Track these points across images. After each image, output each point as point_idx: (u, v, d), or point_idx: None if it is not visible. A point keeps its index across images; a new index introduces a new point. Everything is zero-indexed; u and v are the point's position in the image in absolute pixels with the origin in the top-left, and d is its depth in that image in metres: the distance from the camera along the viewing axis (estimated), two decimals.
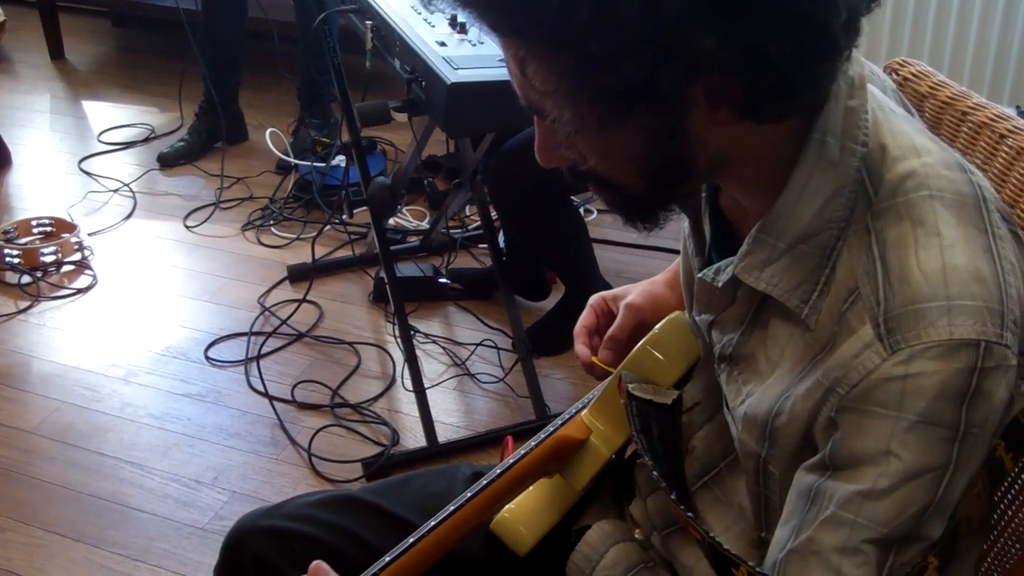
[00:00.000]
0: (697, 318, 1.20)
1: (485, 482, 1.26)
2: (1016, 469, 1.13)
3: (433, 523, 1.22)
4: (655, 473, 1.12)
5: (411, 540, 1.20)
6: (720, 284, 1.10)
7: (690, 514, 1.08)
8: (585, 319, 1.44)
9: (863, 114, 1.00)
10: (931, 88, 1.37)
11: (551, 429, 1.32)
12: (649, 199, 1.07)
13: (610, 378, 1.29)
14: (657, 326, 1.30)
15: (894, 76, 1.42)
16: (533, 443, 1.29)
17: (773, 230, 1.02)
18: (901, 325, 0.94)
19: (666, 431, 1.21)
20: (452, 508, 1.23)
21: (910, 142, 1.01)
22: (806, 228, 1.00)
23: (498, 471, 1.26)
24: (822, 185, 0.99)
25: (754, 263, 1.04)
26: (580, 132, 0.97)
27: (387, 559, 1.19)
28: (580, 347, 1.41)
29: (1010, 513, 1.22)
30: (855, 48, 0.96)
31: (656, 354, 1.28)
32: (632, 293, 1.42)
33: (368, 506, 1.41)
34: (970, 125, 1.31)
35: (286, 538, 1.37)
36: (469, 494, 1.24)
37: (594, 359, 1.38)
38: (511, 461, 1.27)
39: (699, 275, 1.14)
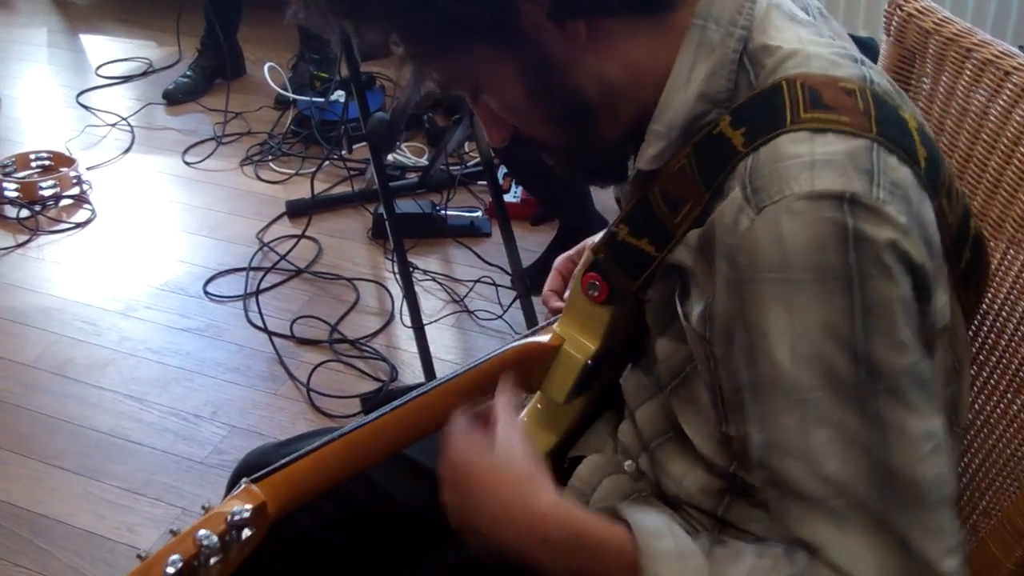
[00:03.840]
0: None
1: (449, 376, 1.25)
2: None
3: (387, 409, 1.20)
4: None
5: (356, 424, 1.18)
6: (628, 183, 1.12)
7: None
8: (551, 283, 1.45)
9: (747, 1, 1.03)
10: (936, 24, 1.36)
11: (522, 338, 1.32)
12: (578, 150, 1.12)
13: (572, 282, 1.29)
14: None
15: (899, 12, 1.41)
16: (503, 347, 1.29)
17: (664, 119, 1.04)
18: (765, 183, 0.94)
19: None
20: (412, 395, 1.21)
21: (796, 37, 1.03)
22: (692, 111, 1.03)
23: (466, 367, 1.26)
24: (703, 71, 1.02)
25: (651, 155, 1.06)
26: (467, 80, 1.06)
27: (335, 434, 1.17)
28: (557, 306, 1.41)
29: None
30: None
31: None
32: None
33: None
34: (974, 62, 1.30)
35: None
36: (430, 385, 1.23)
37: None
38: (478, 360, 1.26)
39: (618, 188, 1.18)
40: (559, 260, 1.46)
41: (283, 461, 1.13)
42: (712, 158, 1.01)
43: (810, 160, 0.93)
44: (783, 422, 0.97)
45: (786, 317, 0.94)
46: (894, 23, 1.42)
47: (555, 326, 1.30)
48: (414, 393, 1.22)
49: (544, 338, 1.29)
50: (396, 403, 1.21)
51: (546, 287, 1.44)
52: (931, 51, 1.36)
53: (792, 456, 0.97)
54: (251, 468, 1.38)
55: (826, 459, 0.95)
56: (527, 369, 1.29)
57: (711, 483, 1.20)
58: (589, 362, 1.28)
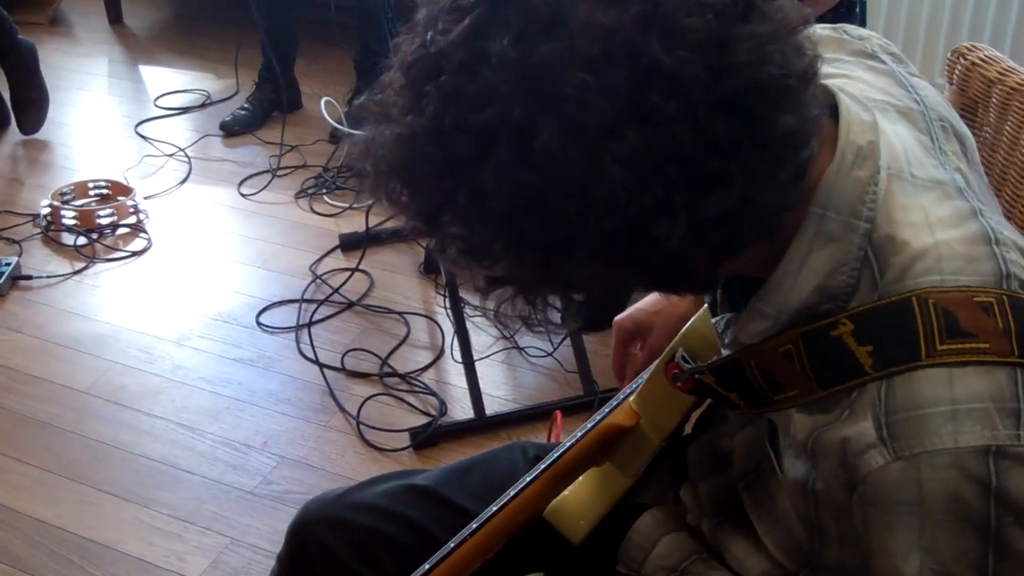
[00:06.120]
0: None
1: (531, 477, 1.26)
2: None
3: (485, 517, 1.22)
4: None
5: (466, 533, 1.21)
6: (726, 341, 1.08)
7: None
8: (617, 357, 1.44)
9: (871, 187, 0.95)
10: (1000, 74, 1.36)
11: (598, 417, 1.30)
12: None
13: (656, 362, 1.27)
14: (702, 309, 1.27)
15: (962, 61, 1.41)
16: (580, 433, 1.29)
17: (771, 302, 0.98)
18: (903, 431, 0.89)
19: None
20: (499, 504, 1.24)
21: (923, 217, 0.95)
22: (805, 301, 0.96)
23: (543, 466, 1.27)
24: (821, 261, 0.95)
25: (754, 331, 1.01)
26: None
27: (448, 548, 1.21)
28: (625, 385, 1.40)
29: None
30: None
31: (704, 332, 1.24)
32: (657, 311, 1.42)
33: (436, 498, 1.39)
34: None
35: (354, 531, 1.37)
36: (513, 492, 1.25)
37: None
38: (557, 453, 1.27)
39: (712, 321, 1.13)
40: (618, 327, 1.44)
41: None
42: (831, 364, 0.95)
43: (951, 410, 0.87)
44: None
45: (915, 538, 0.89)
46: (957, 72, 1.42)
47: (630, 400, 1.29)
48: (493, 508, 1.23)
49: (621, 419, 1.28)
50: (477, 524, 1.23)
51: (613, 361, 1.45)
52: (994, 100, 1.36)
53: None
54: (311, 520, 1.39)
55: None
56: (602, 448, 1.29)
57: (773, 570, 1.16)
58: (663, 443, 1.27)
